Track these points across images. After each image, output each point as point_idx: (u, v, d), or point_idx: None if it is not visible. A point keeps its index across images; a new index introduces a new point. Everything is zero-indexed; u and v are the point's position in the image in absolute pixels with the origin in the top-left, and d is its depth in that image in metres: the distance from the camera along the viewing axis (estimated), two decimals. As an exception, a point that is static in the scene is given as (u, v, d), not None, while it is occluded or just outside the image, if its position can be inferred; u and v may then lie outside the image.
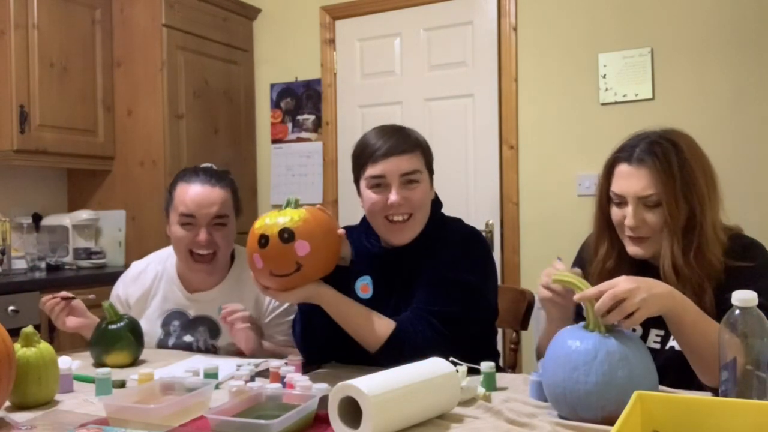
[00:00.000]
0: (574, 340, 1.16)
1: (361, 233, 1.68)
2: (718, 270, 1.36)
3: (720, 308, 1.31)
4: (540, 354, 1.51)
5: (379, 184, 1.56)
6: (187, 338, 1.89)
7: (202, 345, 1.87)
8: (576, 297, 1.18)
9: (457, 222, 1.71)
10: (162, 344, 1.91)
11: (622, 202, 1.41)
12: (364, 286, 1.65)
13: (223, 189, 1.84)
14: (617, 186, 1.41)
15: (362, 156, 1.60)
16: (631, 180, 1.38)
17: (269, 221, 1.43)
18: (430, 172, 1.65)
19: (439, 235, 1.63)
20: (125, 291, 1.99)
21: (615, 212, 1.43)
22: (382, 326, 1.50)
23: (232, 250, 1.94)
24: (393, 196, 1.54)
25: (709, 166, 1.40)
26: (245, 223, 2.20)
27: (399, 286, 1.62)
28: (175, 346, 1.88)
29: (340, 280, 1.53)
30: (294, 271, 1.41)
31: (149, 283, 1.96)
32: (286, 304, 1.85)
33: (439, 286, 1.55)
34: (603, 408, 1.10)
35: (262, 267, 1.42)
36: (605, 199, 1.47)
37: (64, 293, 1.82)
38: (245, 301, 1.83)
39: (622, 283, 1.18)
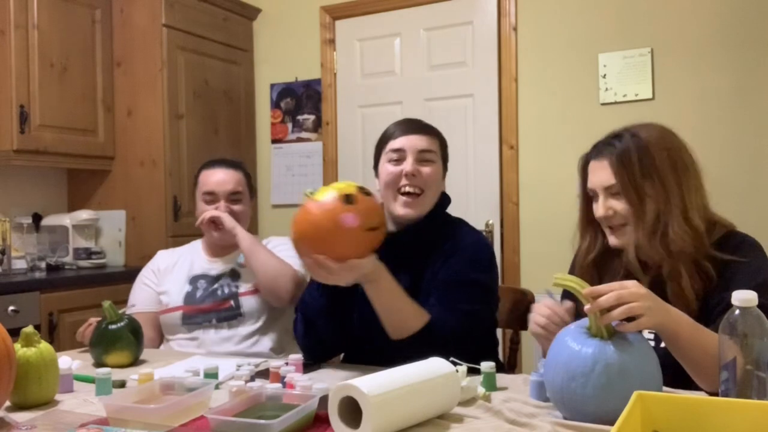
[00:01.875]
0: (574, 344, 1.15)
1: None
2: (689, 254, 1.37)
3: (717, 304, 1.33)
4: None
5: (398, 158, 1.67)
6: (213, 287, 2.10)
7: (226, 289, 2.10)
8: (585, 291, 1.17)
9: (465, 223, 1.78)
10: (190, 296, 2.09)
11: (595, 196, 1.47)
12: None
13: (237, 172, 2.19)
14: (589, 182, 1.48)
15: (384, 136, 1.73)
16: (596, 173, 1.45)
17: (332, 191, 1.39)
18: (444, 164, 1.75)
19: (447, 232, 1.70)
20: (155, 263, 2.22)
21: (594, 207, 1.48)
22: (419, 315, 1.53)
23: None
24: (408, 166, 1.64)
25: (678, 153, 1.42)
26: (249, 227, 2.27)
27: (403, 273, 1.62)
28: (202, 298, 2.08)
29: None
30: (382, 223, 1.44)
31: (176, 258, 2.22)
32: (289, 247, 2.01)
33: (462, 285, 1.61)
34: (601, 418, 1.10)
35: (358, 223, 1.37)
36: (584, 196, 1.53)
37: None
38: None
39: (632, 286, 1.18)
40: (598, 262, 1.51)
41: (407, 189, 1.65)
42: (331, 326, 1.60)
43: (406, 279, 1.62)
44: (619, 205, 1.41)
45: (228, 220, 2.08)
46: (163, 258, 2.24)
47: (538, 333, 1.41)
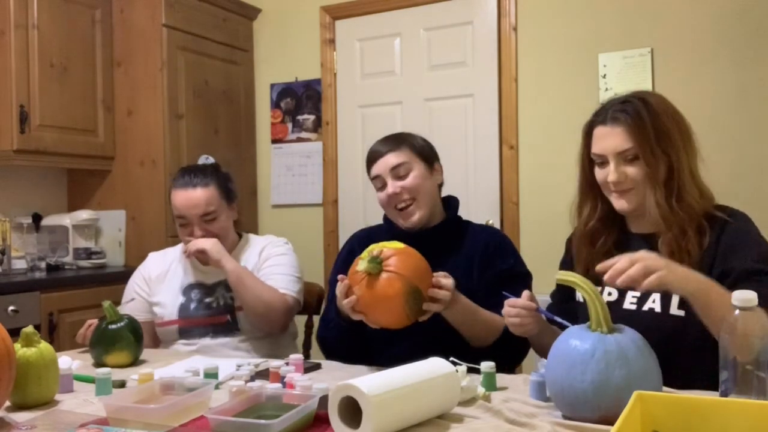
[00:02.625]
0: (575, 339, 1.16)
1: (389, 224, 1.89)
2: (698, 214, 1.42)
3: (725, 275, 1.36)
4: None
5: (381, 185, 1.81)
6: (208, 299, 2.04)
7: (221, 301, 2.03)
8: (599, 267, 1.22)
9: (485, 225, 1.97)
10: (184, 308, 2.03)
11: (603, 162, 1.48)
12: None
13: (205, 188, 2.01)
14: (597, 147, 1.48)
15: (367, 164, 1.87)
16: (608, 139, 1.46)
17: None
18: (428, 161, 1.83)
19: (473, 231, 1.86)
20: (146, 269, 2.15)
21: (599, 173, 1.50)
22: (496, 323, 1.64)
23: (239, 234, 2.17)
24: (389, 189, 1.78)
25: (681, 119, 1.49)
26: (245, 223, 2.25)
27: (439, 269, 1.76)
28: (197, 309, 2.02)
29: None
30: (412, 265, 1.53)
31: (168, 264, 2.13)
32: (283, 261, 2.07)
33: (517, 279, 1.74)
34: (599, 407, 1.10)
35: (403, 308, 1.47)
36: (587, 162, 1.54)
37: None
38: (251, 258, 2.10)
39: (641, 251, 1.22)
40: (594, 229, 1.55)
41: (400, 206, 1.79)
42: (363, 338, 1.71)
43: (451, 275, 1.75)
44: (631, 169, 1.44)
45: (214, 252, 1.95)
46: (155, 263, 2.16)
47: (518, 332, 1.48)
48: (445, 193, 1.92)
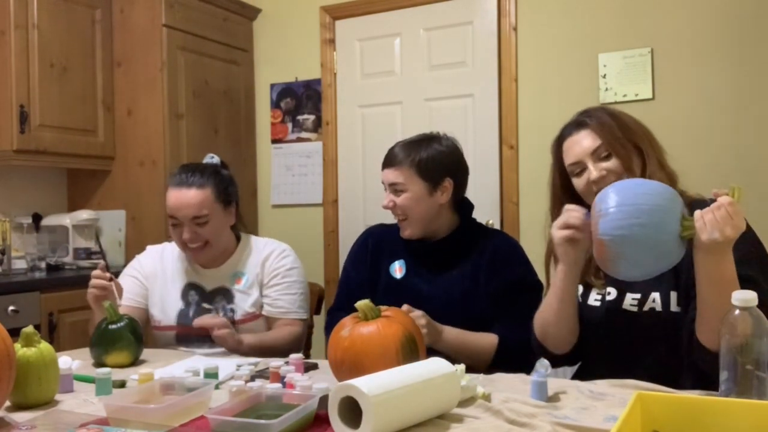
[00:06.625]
0: (663, 201, 1.24)
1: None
2: None
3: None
4: (540, 335, 1.54)
5: (385, 190, 1.87)
6: (206, 305, 1.99)
7: (221, 310, 1.98)
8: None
9: (500, 231, 2.05)
10: (183, 314, 1.98)
11: (582, 170, 1.52)
12: (399, 268, 1.91)
13: (200, 189, 1.91)
14: (570, 157, 1.53)
15: None
16: (578, 144, 1.52)
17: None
18: (432, 180, 1.81)
19: (487, 238, 1.89)
20: (139, 262, 2.12)
21: (578, 183, 1.53)
22: (487, 342, 1.73)
23: (238, 235, 2.08)
24: (384, 201, 1.86)
25: (637, 120, 1.56)
26: (245, 224, 2.23)
27: (426, 272, 1.87)
28: (196, 314, 1.95)
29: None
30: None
31: (164, 262, 2.07)
32: (293, 278, 2.01)
33: (529, 292, 1.79)
34: (601, 225, 1.24)
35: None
36: (558, 179, 1.60)
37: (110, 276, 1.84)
38: (252, 267, 2.02)
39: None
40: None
41: (396, 218, 1.87)
42: None
43: (433, 280, 1.83)
44: (609, 164, 1.48)
45: (231, 343, 1.81)
46: (151, 258, 2.09)
47: (564, 235, 1.40)
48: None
